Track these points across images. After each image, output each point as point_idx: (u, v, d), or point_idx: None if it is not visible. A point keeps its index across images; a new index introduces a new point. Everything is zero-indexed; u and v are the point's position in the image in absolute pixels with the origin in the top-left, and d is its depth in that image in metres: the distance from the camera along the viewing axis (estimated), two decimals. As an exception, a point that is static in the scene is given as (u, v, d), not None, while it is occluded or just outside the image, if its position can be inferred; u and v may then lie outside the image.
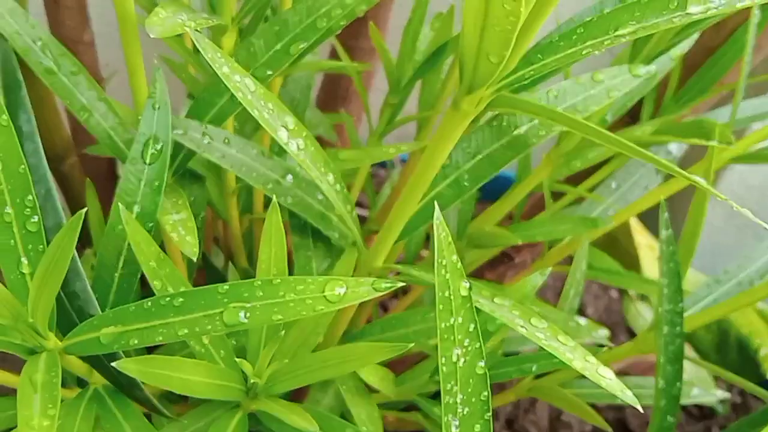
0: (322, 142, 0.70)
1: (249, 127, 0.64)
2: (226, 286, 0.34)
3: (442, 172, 0.45)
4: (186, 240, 0.42)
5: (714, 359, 0.92)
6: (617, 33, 0.33)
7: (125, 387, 0.43)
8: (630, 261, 0.95)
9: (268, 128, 0.38)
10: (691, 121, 0.61)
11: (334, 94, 0.84)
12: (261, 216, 0.65)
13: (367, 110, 0.67)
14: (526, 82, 0.35)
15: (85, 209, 0.30)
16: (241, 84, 0.37)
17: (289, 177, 0.50)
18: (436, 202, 0.30)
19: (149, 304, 0.34)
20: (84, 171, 0.66)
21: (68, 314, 0.42)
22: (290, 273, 0.68)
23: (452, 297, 0.27)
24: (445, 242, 0.27)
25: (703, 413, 0.97)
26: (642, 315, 1.06)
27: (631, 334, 1.09)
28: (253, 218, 0.66)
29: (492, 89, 0.35)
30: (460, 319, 0.28)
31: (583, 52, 0.33)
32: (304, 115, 0.66)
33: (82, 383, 0.48)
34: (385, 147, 0.55)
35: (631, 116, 0.64)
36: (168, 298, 0.34)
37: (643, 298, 1.05)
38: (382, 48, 0.60)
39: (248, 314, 0.33)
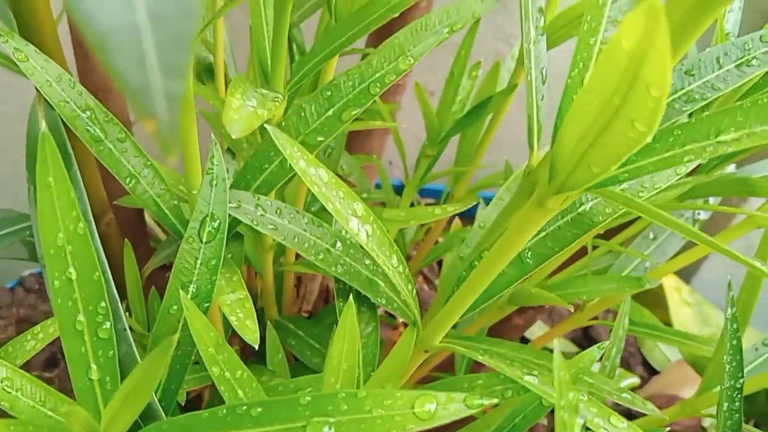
0: (350, 183, 0.68)
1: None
2: (308, 397, 0.32)
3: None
4: (246, 324, 0.41)
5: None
6: (719, 139, 0.31)
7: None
8: (656, 301, 0.94)
9: (339, 218, 0.37)
10: (734, 178, 0.60)
11: (356, 131, 0.82)
12: (292, 268, 0.64)
13: (403, 157, 0.66)
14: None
15: (176, 336, 0.29)
16: (316, 177, 0.36)
17: (338, 245, 0.49)
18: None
19: (224, 412, 0.33)
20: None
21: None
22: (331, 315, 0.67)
23: (569, 437, 0.26)
24: (565, 381, 0.25)
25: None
26: (658, 347, 1.06)
27: (647, 366, 1.08)
28: (285, 269, 0.65)
29: (582, 189, 0.33)
30: (574, 456, 0.26)
31: (684, 158, 0.31)
32: (338, 164, 0.65)
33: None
34: (430, 208, 0.54)
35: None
36: (245, 407, 0.33)
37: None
38: (425, 104, 0.58)
39: (333, 430, 0.31)
